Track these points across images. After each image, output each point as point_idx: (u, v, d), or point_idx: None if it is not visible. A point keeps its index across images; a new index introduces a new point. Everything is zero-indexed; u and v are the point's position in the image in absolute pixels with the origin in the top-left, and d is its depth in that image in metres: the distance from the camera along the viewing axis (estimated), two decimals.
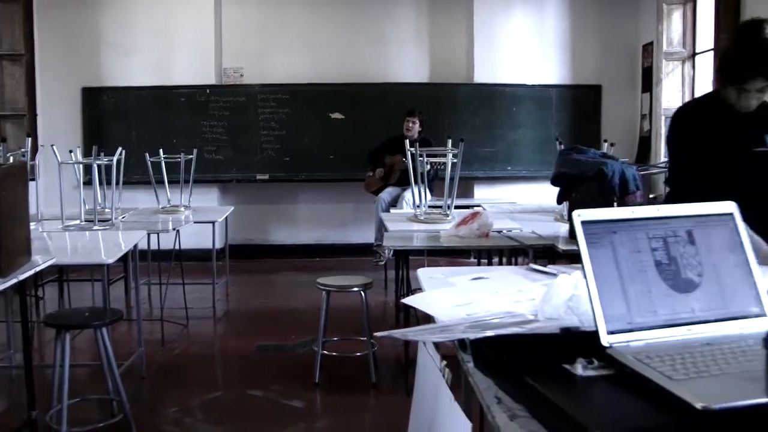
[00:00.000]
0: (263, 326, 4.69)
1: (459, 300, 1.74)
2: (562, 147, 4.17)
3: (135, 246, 3.47)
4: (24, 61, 6.56)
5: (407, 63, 7.63)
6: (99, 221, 4.10)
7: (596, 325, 1.20)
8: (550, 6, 7.58)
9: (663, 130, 6.95)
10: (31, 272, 2.34)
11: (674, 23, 6.94)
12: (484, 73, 7.45)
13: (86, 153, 5.77)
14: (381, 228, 5.61)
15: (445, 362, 1.63)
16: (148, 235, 4.65)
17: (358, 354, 3.69)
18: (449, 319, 1.59)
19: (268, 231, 7.59)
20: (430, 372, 1.92)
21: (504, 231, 3.46)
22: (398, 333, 1.60)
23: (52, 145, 4.64)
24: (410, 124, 6.41)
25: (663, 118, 6.95)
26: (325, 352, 3.56)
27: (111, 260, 2.95)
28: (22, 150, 4.40)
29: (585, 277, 1.22)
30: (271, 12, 7.53)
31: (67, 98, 7.13)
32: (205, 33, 7.33)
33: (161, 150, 5.41)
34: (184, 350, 4.20)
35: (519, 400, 1.08)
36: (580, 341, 1.22)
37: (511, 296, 1.72)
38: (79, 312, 3.06)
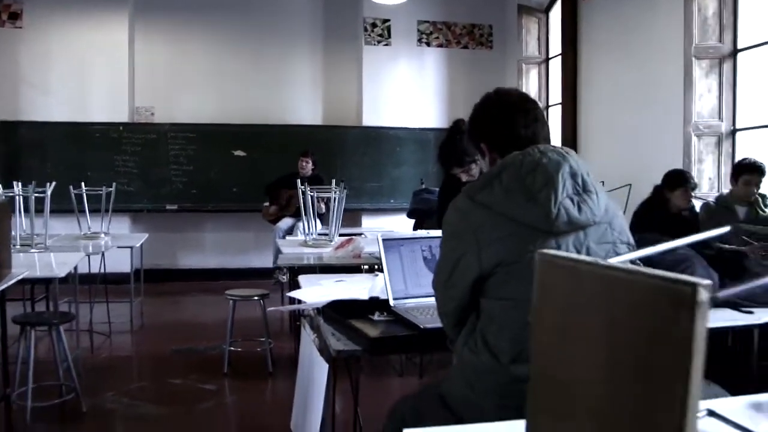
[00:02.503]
0: (176, 335, 5.56)
1: (323, 292, 2.78)
2: (421, 187, 5.31)
3: (76, 265, 4.33)
4: None
5: (303, 106, 8.69)
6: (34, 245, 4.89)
7: (388, 295, 2.28)
8: (429, 60, 8.81)
9: None
10: (13, 281, 3.21)
11: (531, 80, 8.31)
12: (372, 117, 8.59)
13: (4, 184, 6.42)
14: (278, 253, 6.58)
15: (315, 335, 2.67)
16: None
17: (258, 350, 4.67)
18: (313, 301, 2.64)
19: (176, 256, 8.37)
20: (306, 340, 2.98)
21: (373, 253, 4.52)
22: (283, 308, 2.63)
23: None
24: (304, 163, 7.30)
25: None
26: (231, 348, 4.51)
27: (62, 273, 3.82)
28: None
29: (384, 269, 2.30)
30: (179, 55, 8.41)
31: None
32: (118, 73, 8.09)
33: (80, 182, 6.04)
34: (110, 354, 5.04)
35: (343, 334, 2.14)
36: (379, 304, 2.30)
37: (354, 288, 2.78)
38: (39, 314, 3.89)
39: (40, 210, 4.95)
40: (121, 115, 8.11)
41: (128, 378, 4.43)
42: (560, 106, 7.65)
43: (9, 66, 7.87)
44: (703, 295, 0.72)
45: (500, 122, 1.83)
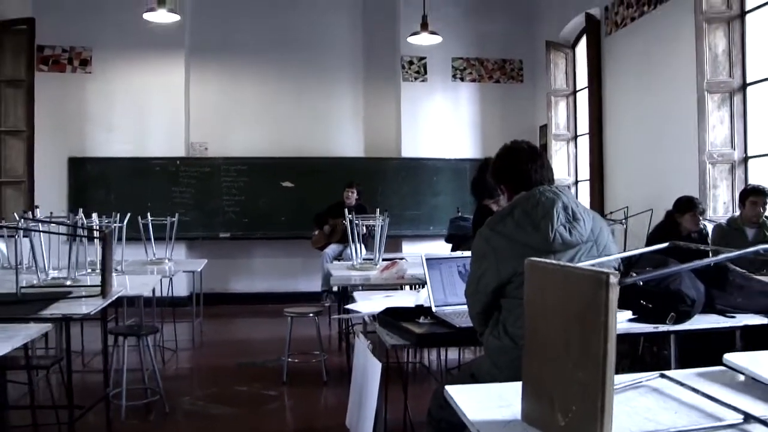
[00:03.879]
0: (235, 351, 6.21)
1: (375, 304, 3.39)
2: (457, 215, 5.91)
3: (154, 287, 5.00)
4: (25, 137, 8.00)
5: (346, 139, 9.39)
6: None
7: (431, 303, 2.87)
8: (463, 93, 9.46)
9: None
10: (115, 297, 3.87)
11: (560, 111, 8.87)
12: (410, 149, 9.25)
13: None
14: (327, 276, 7.21)
15: (369, 341, 3.27)
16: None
17: (314, 361, 5.28)
18: (368, 311, 3.24)
19: (228, 281, 9.07)
20: (360, 347, 3.57)
21: (414, 275, 5.12)
22: (344, 315, 3.23)
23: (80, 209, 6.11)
24: (349, 194, 7.91)
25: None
26: (289, 360, 5.13)
27: (146, 293, 4.48)
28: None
29: (427, 282, 2.90)
30: (230, 94, 9.21)
31: (57, 167, 8.57)
32: (175, 112, 8.91)
33: (141, 213, 6.60)
34: (179, 366, 5.70)
35: (395, 333, 2.74)
36: (423, 311, 2.89)
37: (401, 301, 3.38)
38: (129, 327, 4.55)
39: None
40: (178, 150, 8.89)
41: (199, 385, 5.06)
42: (587, 135, 8.19)
43: (78, 107, 8.72)
44: (613, 280, 1.30)
45: (515, 170, 2.42)
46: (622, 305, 2.34)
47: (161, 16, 6.85)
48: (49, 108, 8.46)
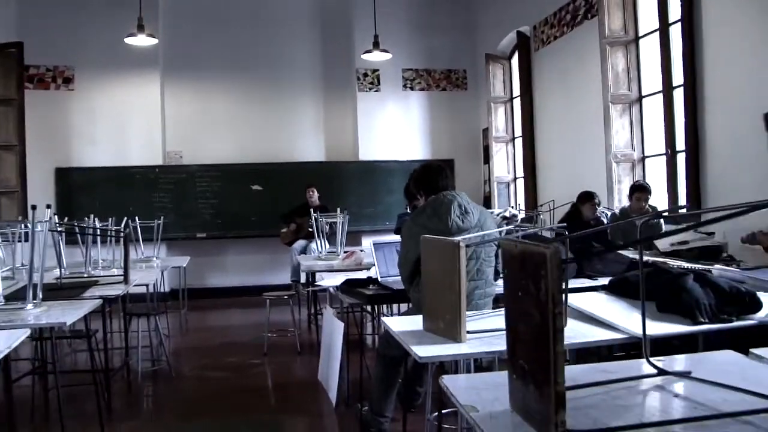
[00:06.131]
0: (220, 334, 7.38)
1: (338, 280, 4.58)
2: (405, 211, 7.13)
3: (156, 279, 6.12)
4: (17, 151, 9.02)
5: (308, 145, 10.56)
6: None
7: (377, 275, 4.08)
8: (413, 101, 10.69)
9: (496, 192, 10.08)
10: (133, 284, 4.98)
11: (500, 116, 10.12)
12: (366, 152, 10.46)
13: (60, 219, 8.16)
14: (296, 268, 8.39)
15: (334, 309, 4.47)
16: None
17: (289, 335, 6.47)
18: (333, 284, 4.44)
19: (204, 276, 10.15)
20: (327, 315, 4.77)
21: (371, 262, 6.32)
22: (314, 288, 4.43)
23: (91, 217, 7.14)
24: (310, 193, 9.09)
25: (496, 183, 10.10)
26: (271, 334, 6.29)
27: (151, 282, 5.61)
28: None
29: (374, 259, 4.10)
30: (203, 107, 10.31)
31: (45, 177, 9.56)
32: (152, 124, 9.97)
33: (123, 217, 7.65)
34: (176, 346, 6.82)
35: (353, 296, 3.95)
36: (373, 280, 4.10)
37: (357, 276, 4.58)
38: (140, 307, 5.70)
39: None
40: (156, 159, 9.96)
41: (195, 358, 6.20)
42: (521, 139, 9.46)
43: (63, 122, 9.73)
44: (462, 245, 2.51)
45: (428, 181, 3.62)
46: None
47: (141, 40, 7.96)
48: (35, 123, 9.46)
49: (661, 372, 1.77)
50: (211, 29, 10.26)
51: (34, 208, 3.45)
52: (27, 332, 2.84)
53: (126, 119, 9.90)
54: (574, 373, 1.78)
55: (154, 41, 8.09)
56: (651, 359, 1.84)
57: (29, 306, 3.41)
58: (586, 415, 1.47)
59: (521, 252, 1.43)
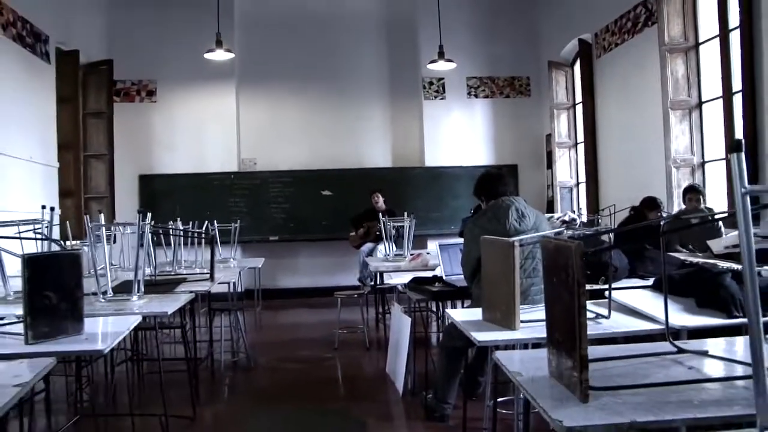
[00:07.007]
0: (293, 331, 7.85)
1: (405, 278, 4.97)
2: (469, 214, 7.48)
3: (235, 278, 6.62)
4: (106, 159, 9.73)
5: (376, 152, 11.00)
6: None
7: (442, 274, 4.45)
8: (477, 109, 11.02)
9: (559, 196, 10.31)
10: (218, 281, 5.46)
11: (562, 122, 10.36)
12: (432, 159, 10.84)
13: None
14: (363, 267, 8.83)
15: (402, 306, 4.87)
16: None
17: (357, 331, 6.90)
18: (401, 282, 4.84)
19: (276, 278, 10.68)
20: (396, 311, 5.17)
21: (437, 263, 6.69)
22: (385, 284, 4.83)
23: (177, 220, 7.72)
24: (376, 198, 9.48)
25: (559, 188, 10.33)
26: (341, 331, 6.73)
27: (231, 281, 6.11)
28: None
29: (439, 259, 4.48)
30: (275, 116, 10.86)
31: (130, 183, 10.27)
32: (228, 132, 10.59)
33: (202, 221, 8.19)
34: (252, 341, 7.31)
35: (419, 293, 4.33)
36: (438, 279, 4.47)
37: (422, 276, 4.97)
38: (223, 304, 6.21)
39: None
40: (231, 166, 10.56)
41: (271, 351, 6.68)
42: (583, 145, 9.68)
43: (146, 132, 10.43)
44: (517, 245, 2.86)
45: (489, 187, 3.98)
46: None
47: (219, 55, 8.53)
48: (122, 133, 10.17)
49: (681, 351, 2.09)
50: (282, 41, 10.81)
51: (140, 212, 3.96)
52: (139, 318, 3.32)
53: (204, 128, 10.54)
54: (607, 350, 2.13)
55: (231, 56, 8.66)
56: (675, 341, 2.17)
57: (134, 297, 3.92)
58: (610, 380, 1.81)
59: (555, 247, 1.79)
